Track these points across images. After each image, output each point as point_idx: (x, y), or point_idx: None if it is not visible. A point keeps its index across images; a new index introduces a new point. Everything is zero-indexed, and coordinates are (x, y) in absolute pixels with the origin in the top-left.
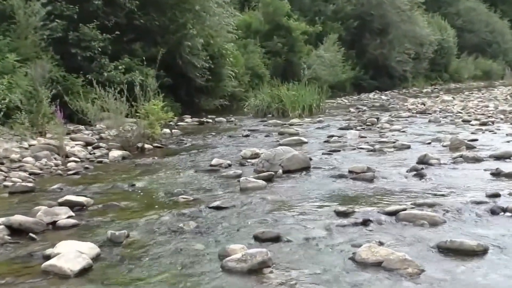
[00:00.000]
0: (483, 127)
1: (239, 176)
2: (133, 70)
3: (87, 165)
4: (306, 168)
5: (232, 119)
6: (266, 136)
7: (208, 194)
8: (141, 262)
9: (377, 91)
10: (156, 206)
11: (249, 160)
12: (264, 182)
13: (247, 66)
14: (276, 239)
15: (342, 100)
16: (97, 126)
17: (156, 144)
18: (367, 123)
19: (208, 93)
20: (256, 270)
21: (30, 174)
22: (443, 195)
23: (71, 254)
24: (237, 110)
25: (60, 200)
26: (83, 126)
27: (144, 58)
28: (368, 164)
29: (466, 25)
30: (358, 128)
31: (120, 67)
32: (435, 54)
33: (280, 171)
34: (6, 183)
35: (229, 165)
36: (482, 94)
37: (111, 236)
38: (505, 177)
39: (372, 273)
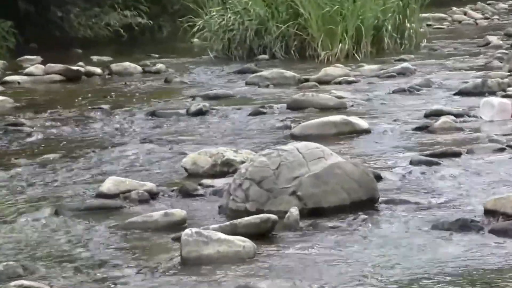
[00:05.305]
0: None
1: (178, 225)
2: None
3: None
4: (365, 204)
5: (160, 66)
6: (251, 114)
7: (92, 277)
8: None
9: None
10: None
11: (206, 182)
12: (248, 244)
13: None
14: None
15: (463, 14)
16: None
17: None
18: None
19: None
20: None
21: None
22: None
23: None
24: (175, 41)
25: None
26: None
27: None
28: None
29: None
30: (511, 91)
31: None
32: None
33: (295, 211)
34: None
35: (152, 196)
36: None
37: None
38: None
39: None
